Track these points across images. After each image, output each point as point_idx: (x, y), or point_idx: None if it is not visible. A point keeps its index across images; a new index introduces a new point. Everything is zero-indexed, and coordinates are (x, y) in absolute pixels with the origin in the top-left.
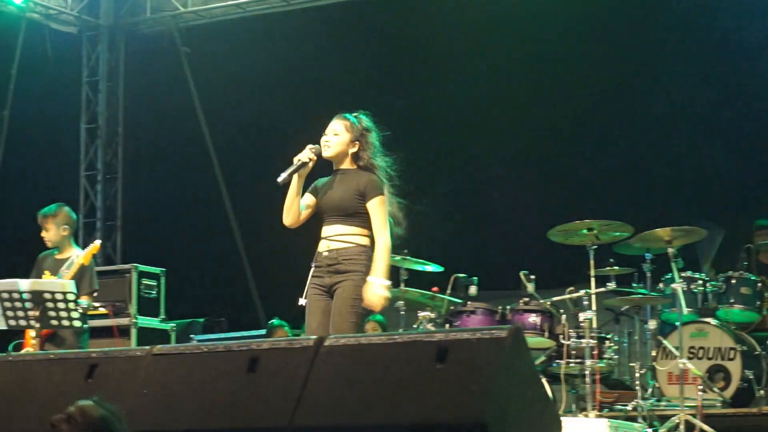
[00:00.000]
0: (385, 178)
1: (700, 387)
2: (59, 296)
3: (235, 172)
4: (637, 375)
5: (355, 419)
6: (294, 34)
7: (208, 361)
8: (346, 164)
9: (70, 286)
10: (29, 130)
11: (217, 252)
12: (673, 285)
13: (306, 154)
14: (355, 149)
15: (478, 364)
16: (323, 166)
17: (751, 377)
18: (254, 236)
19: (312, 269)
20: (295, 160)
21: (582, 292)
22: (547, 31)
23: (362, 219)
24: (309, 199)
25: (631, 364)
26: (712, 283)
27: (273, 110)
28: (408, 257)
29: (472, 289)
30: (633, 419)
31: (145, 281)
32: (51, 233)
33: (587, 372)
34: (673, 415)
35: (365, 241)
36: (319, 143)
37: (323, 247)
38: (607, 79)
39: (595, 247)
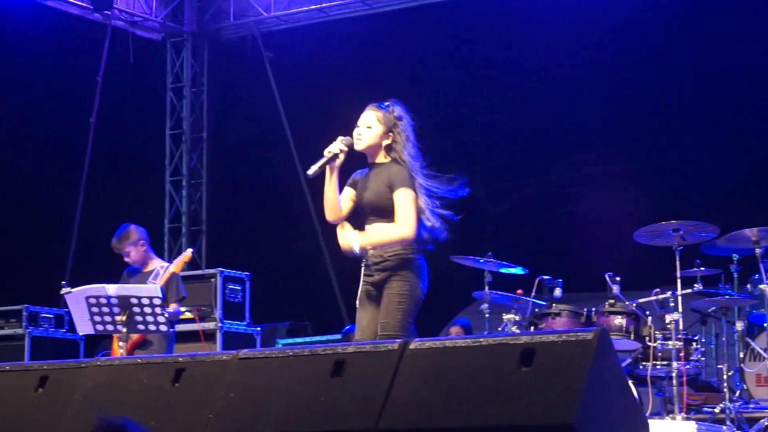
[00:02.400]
0: (418, 172)
1: None
2: (146, 301)
3: (319, 175)
4: (725, 377)
5: (441, 422)
6: (376, 38)
7: (293, 364)
8: (380, 158)
9: (156, 290)
10: (115, 136)
11: (302, 255)
12: (761, 285)
13: (337, 146)
14: (388, 141)
15: (564, 367)
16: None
17: None
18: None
19: (363, 269)
20: (326, 152)
21: (668, 294)
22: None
23: None
24: (349, 192)
25: (718, 366)
26: None
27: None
28: (492, 260)
29: (557, 291)
30: (721, 422)
31: (230, 285)
32: (133, 255)
33: (674, 374)
34: (762, 418)
35: None
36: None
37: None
38: (691, 81)
39: (681, 248)
